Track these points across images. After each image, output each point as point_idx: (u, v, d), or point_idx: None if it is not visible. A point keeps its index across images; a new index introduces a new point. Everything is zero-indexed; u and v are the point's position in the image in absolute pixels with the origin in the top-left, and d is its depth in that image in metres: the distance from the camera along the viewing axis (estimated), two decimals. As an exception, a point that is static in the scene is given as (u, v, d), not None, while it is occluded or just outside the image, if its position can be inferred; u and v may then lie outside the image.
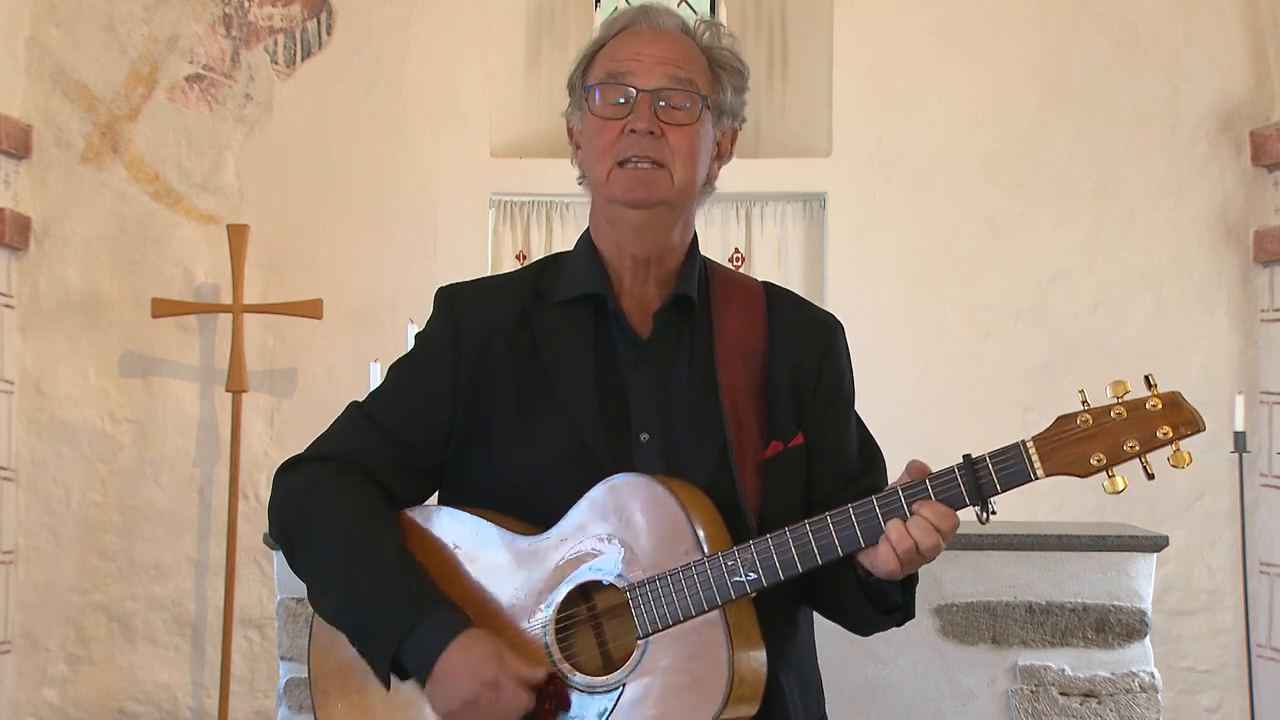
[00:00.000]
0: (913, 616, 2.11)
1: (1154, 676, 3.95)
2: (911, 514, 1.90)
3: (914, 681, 3.92)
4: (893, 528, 1.90)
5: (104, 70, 5.87)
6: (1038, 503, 5.78)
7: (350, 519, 2.06)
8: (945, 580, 3.92)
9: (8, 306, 5.80)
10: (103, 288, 5.86)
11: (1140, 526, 4.97)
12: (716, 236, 5.99)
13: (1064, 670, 3.92)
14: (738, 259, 6.00)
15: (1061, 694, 3.92)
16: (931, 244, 5.87)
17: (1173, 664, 5.66)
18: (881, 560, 1.92)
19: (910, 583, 2.05)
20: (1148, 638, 3.97)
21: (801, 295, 2.27)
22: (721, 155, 2.16)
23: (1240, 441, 5.53)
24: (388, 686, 2.02)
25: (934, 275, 5.87)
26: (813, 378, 2.12)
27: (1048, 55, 5.89)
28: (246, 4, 5.91)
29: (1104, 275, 5.86)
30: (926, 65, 5.90)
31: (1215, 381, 5.80)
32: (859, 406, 2.22)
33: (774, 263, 5.99)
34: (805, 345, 2.14)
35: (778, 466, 2.06)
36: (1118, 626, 3.93)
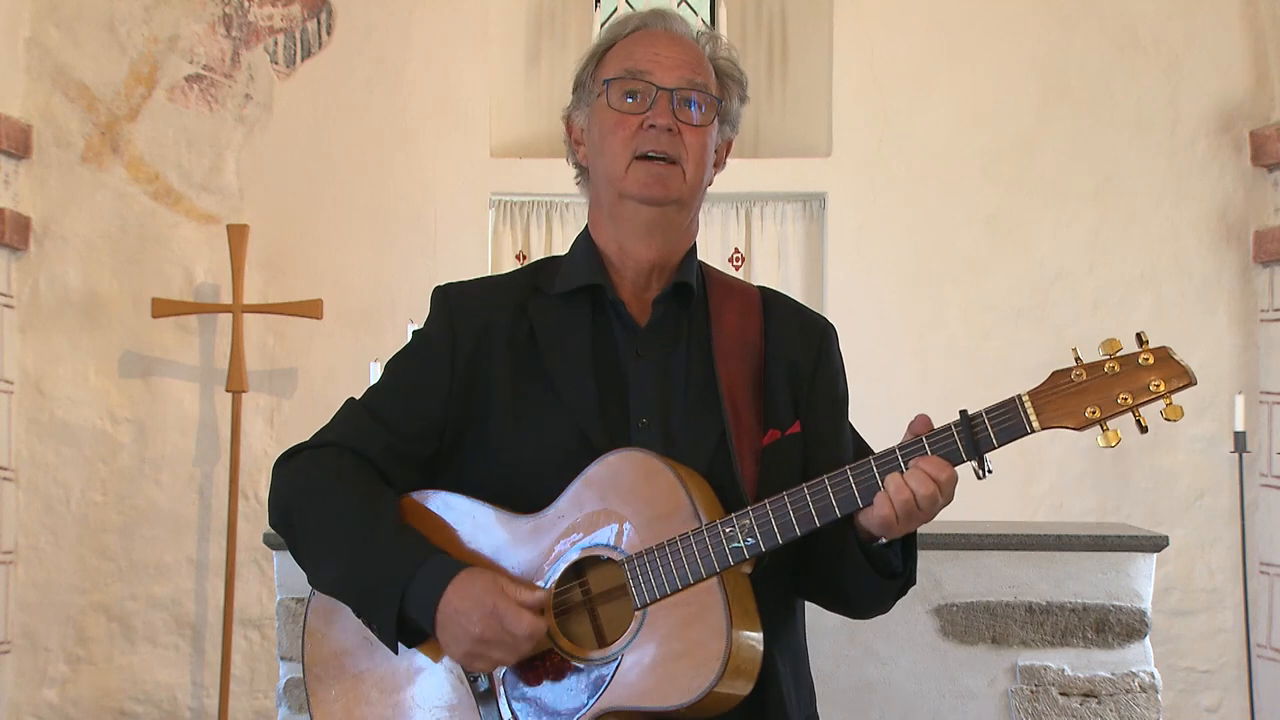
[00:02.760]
0: (914, 583, 2.11)
1: (1154, 676, 3.95)
2: (908, 469, 1.92)
3: (914, 681, 3.92)
4: (890, 480, 1.92)
5: (104, 70, 5.88)
6: (1038, 503, 5.79)
7: (345, 492, 2.09)
8: (945, 580, 3.92)
9: (8, 306, 5.80)
10: (103, 288, 5.86)
11: (1140, 526, 4.97)
12: (716, 236, 5.99)
13: (1064, 670, 3.92)
14: (738, 259, 6.00)
15: (1061, 694, 3.92)
16: (931, 244, 5.87)
17: (1173, 664, 5.66)
18: (876, 510, 1.93)
19: (910, 549, 2.05)
20: (1148, 638, 3.97)
21: (793, 298, 2.29)
22: (718, 163, 2.19)
23: (1240, 441, 5.54)
24: (395, 650, 2.04)
25: (934, 275, 5.87)
26: (808, 375, 2.15)
27: (1048, 55, 5.89)
28: (246, 4, 5.91)
29: (1104, 275, 5.87)
30: (926, 65, 5.91)
31: (1215, 381, 5.80)
32: (858, 406, 2.23)
33: (774, 263, 5.99)
34: (800, 344, 2.16)
35: (775, 453, 2.07)
36: (1118, 626, 3.93)
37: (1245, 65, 5.85)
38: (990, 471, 1.90)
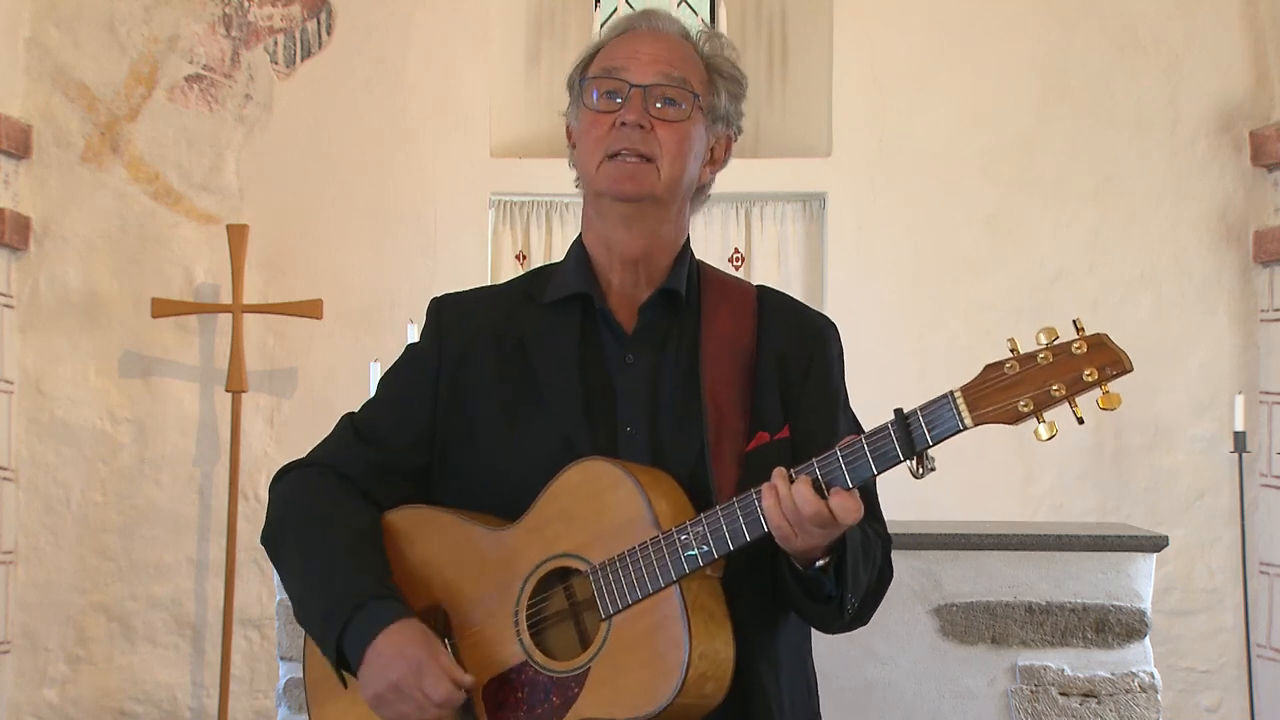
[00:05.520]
0: (856, 614, 2.06)
1: (1154, 676, 3.95)
2: (851, 480, 1.88)
3: (914, 681, 3.92)
4: (766, 494, 1.89)
5: (104, 70, 5.87)
6: (1038, 503, 5.79)
7: (315, 518, 2.12)
8: (945, 580, 3.92)
9: (8, 306, 5.80)
10: (103, 288, 5.86)
11: (1140, 526, 4.97)
12: (716, 236, 5.99)
13: (1064, 670, 3.92)
14: (738, 259, 6.00)
15: (1061, 694, 3.92)
16: (931, 244, 5.87)
17: (1173, 664, 5.66)
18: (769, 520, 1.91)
19: (843, 573, 2.00)
20: (1147, 638, 3.96)
21: (797, 298, 2.28)
22: (715, 161, 2.18)
23: (1240, 441, 5.54)
24: (344, 684, 2.06)
25: (934, 275, 5.87)
26: (801, 375, 2.13)
27: (1048, 55, 5.89)
28: (246, 4, 5.91)
29: (1104, 275, 5.86)
30: (926, 65, 5.91)
31: (1215, 381, 5.81)
32: (856, 406, 2.22)
33: (774, 263, 5.99)
34: (795, 343, 2.15)
35: (760, 458, 2.05)
36: (1117, 626, 3.93)
37: (1245, 65, 5.85)
38: (932, 469, 1.86)
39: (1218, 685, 5.81)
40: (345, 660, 2.03)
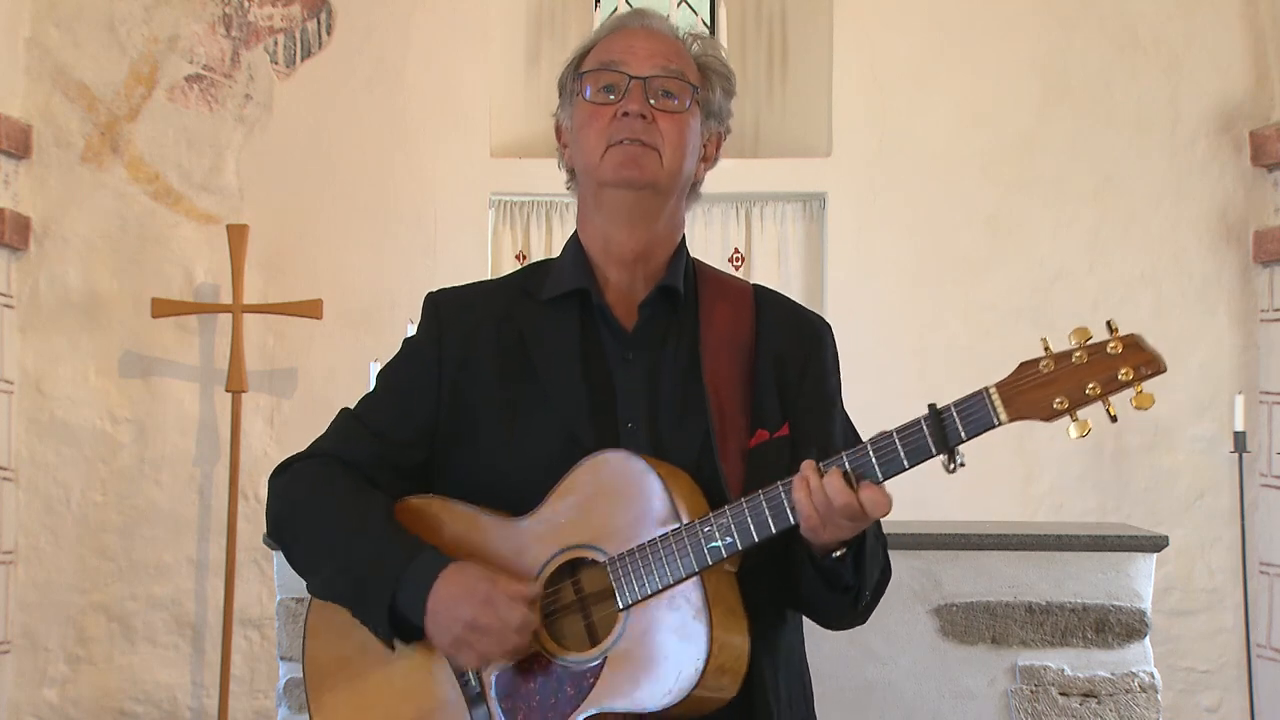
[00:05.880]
0: (868, 603, 2.08)
1: (1154, 676, 3.95)
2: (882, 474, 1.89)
3: (914, 681, 3.92)
4: (797, 486, 1.90)
5: (104, 70, 5.88)
6: (1038, 503, 5.79)
7: (335, 496, 2.12)
8: (945, 580, 3.92)
9: (8, 306, 5.80)
10: (103, 288, 5.86)
11: (1140, 526, 4.97)
12: (716, 236, 5.98)
13: (1064, 670, 3.92)
14: (738, 259, 5.99)
15: (1061, 694, 3.92)
16: (931, 244, 5.87)
17: (1173, 664, 5.66)
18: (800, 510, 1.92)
19: (861, 563, 2.03)
20: (1147, 638, 3.97)
21: (793, 298, 2.29)
22: (708, 158, 2.19)
23: (1240, 441, 5.54)
24: (391, 647, 2.05)
25: (934, 275, 5.87)
26: (798, 375, 2.14)
27: (1048, 55, 5.89)
28: (246, 4, 5.91)
29: (1104, 275, 5.87)
30: (926, 65, 5.91)
31: (1215, 381, 5.81)
32: (858, 406, 2.22)
33: (774, 263, 5.99)
34: (792, 342, 2.16)
35: (762, 455, 2.07)
36: (1117, 626, 3.93)
37: (1245, 65, 5.85)
38: (962, 464, 1.87)
39: (1218, 685, 5.81)
40: (398, 622, 2.02)
